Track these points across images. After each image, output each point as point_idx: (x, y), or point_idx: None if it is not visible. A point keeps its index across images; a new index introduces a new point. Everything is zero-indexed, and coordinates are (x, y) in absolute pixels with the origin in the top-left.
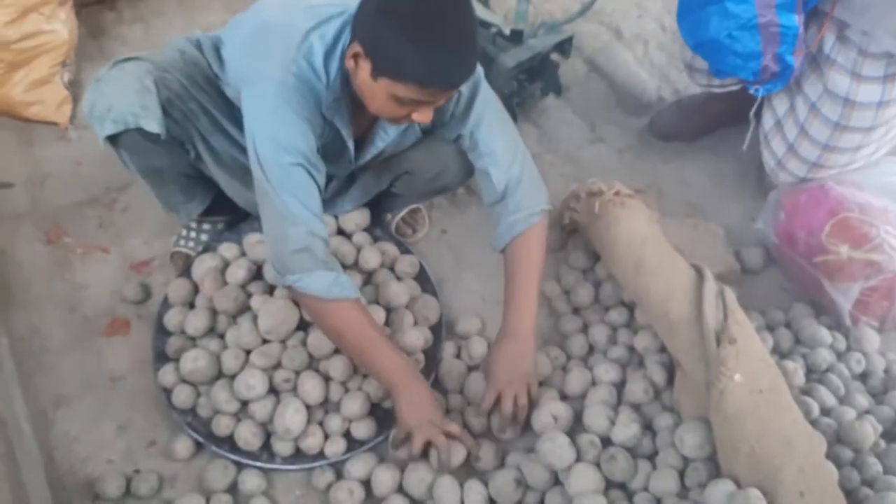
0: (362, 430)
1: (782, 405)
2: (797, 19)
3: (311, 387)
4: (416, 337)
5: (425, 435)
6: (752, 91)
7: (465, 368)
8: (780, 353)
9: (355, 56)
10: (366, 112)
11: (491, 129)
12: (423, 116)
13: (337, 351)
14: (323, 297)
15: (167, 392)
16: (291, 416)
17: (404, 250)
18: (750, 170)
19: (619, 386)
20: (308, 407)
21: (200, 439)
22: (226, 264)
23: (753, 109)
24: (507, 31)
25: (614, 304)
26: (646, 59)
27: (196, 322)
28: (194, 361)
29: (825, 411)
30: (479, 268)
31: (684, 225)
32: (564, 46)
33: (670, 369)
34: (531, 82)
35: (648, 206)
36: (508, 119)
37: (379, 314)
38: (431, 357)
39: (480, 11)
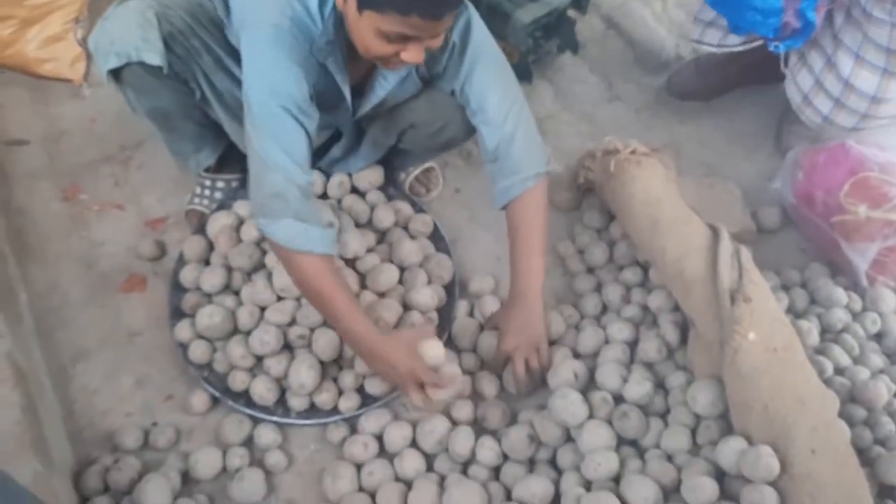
0: (375, 386)
1: (796, 364)
2: None
3: (326, 343)
4: (430, 296)
5: (407, 389)
6: (771, 48)
7: (477, 327)
8: (795, 313)
9: None
10: (362, 59)
11: (483, 83)
12: (413, 55)
13: None
14: (286, 247)
15: (183, 347)
16: (306, 372)
17: (418, 209)
18: (768, 129)
19: (633, 345)
20: (322, 363)
21: (217, 394)
22: (240, 222)
23: (784, 63)
24: None
25: (629, 263)
26: (664, 16)
27: (211, 279)
28: (210, 317)
29: (839, 370)
30: (492, 227)
31: (701, 184)
32: (581, 2)
33: (684, 329)
34: (547, 39)
35: (665, 166)
36: (506, 72)
37: (392, 273)
38: (445, 316)
39: None
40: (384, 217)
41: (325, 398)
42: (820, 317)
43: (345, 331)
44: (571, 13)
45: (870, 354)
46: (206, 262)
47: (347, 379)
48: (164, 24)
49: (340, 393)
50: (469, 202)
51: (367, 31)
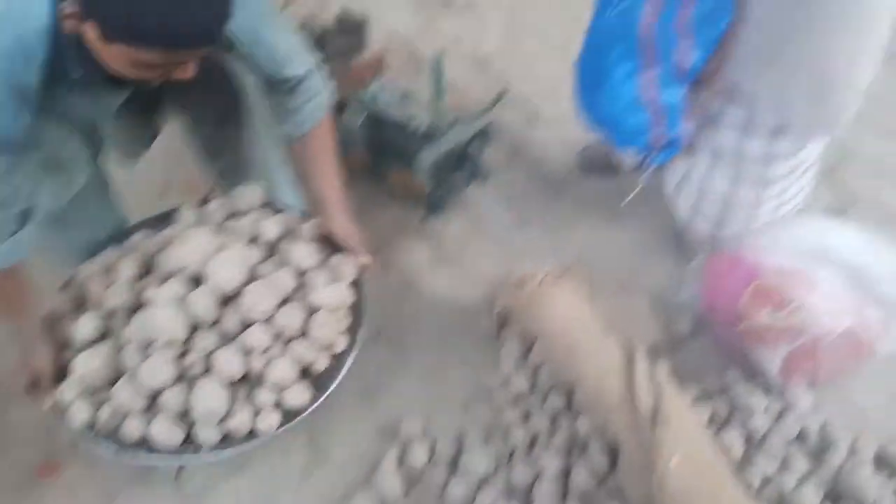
0: (297, 396)
1: (723, 481)
2: (679, 92)
3: (226, 360)
4: (332, 294)
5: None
6: (650, 161)
7: None
8: (717, 422)
9: (72, 16)
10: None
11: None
12: (186, 72)
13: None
14: None
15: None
16: (213, 395)
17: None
18: (671, 238)
19: (565, 474)
20: (229, 385)
21: (110, 452)
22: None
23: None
24: (423, 128)
25: (553, 389)
26: (565, 139)
27: (84, 326)
28: (86, 363)
29: (766, 480)
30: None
31: (615, 299)
32: (484, 135)
33: (615, 452)
34: (455, 172)
35: (577, 286)
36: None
37: (287, 280)
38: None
39: (397, 110)
40: (269, 229)
41: (238, 420)
42: (742, 424)
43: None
44: (476, 145)
45: (794, 459)
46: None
47: (262, 395)
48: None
49: (257, 413)
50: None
51: (121, 60)
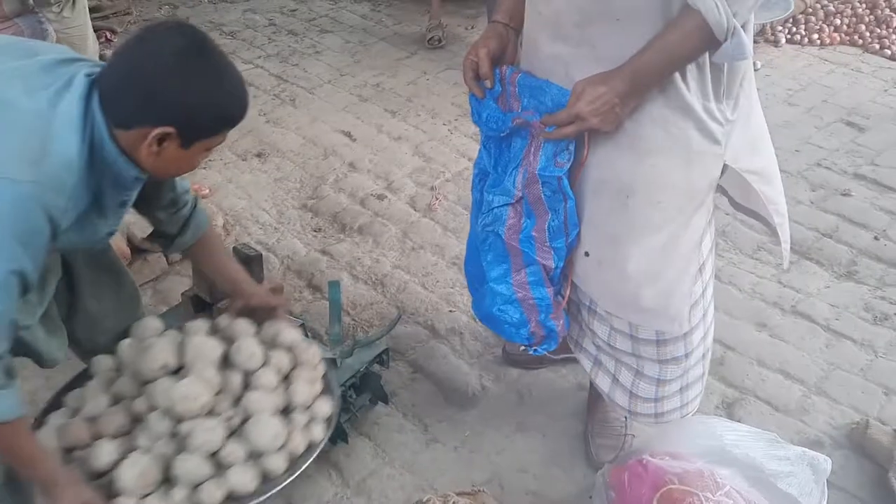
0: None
1: None
2: (548, 291)
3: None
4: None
5: None
6: (531, 352)
7: None
8: None
9: (159, 139)
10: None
11: None
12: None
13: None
14: None
15: None
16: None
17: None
18: (580, 443)
19: None
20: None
21: None
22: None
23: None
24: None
25: None
26: (464, 350)
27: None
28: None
29: None
30: None
31: None
32: (382, 357)
33: None
34: (357, 395)
35: None
36: None
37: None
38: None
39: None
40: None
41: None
42: None
43: (35, 474)
44: (375, 367)
45: None
46: None
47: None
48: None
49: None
50: None
51: (193, 157)
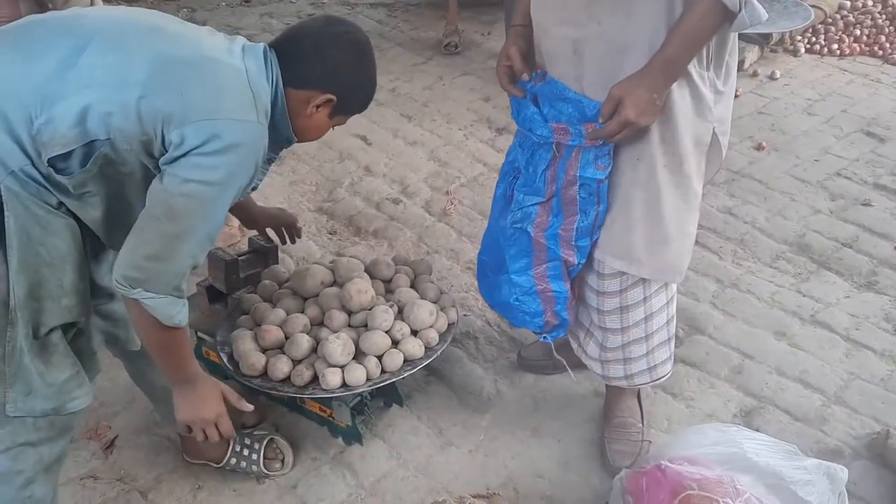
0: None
1: None
2: (566, 285)
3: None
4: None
5: (203, 425)
6: (540, 338)
7: None
8: None
9: (321, 104)
10: None
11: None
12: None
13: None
14: (164, 321)
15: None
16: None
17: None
18: (596, 449)
19: None
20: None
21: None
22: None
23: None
24: None
25: None
26: (478, 355)
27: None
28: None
29: None
30: None
31: None
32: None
33: None
34: (372, 398)
35: None
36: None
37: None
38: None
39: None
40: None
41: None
42: None
43: (175, 370)
44: None
45: None
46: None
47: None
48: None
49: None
50: None
51: (326, 127)
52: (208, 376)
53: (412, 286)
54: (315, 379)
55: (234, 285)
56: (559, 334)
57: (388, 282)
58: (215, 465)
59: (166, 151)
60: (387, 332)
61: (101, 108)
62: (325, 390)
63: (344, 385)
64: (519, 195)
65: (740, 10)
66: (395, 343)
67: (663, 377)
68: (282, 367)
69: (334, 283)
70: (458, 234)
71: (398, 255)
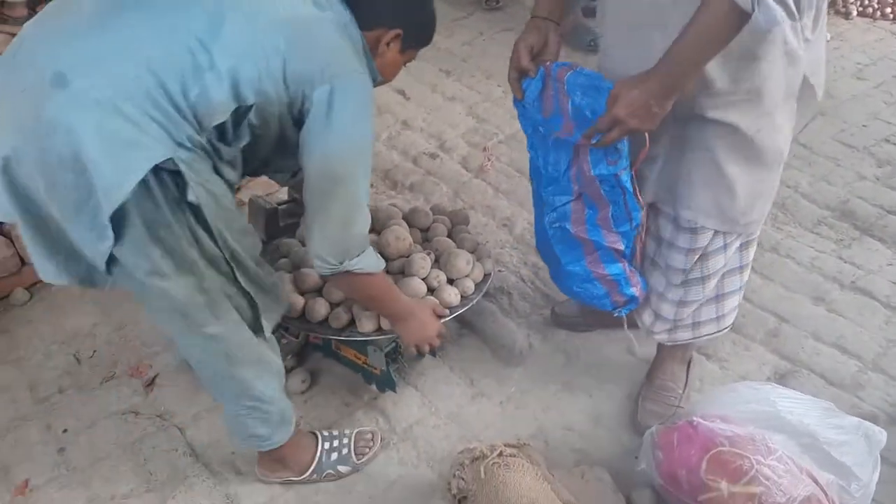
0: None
1: None
2: (622, 266)
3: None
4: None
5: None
6: (615, 314)
7: None
8: None
9: (390, 40)
10: None
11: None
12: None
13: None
14: (371, 273)
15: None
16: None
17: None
18: (628, 406)
19: None
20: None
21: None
22: None
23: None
24: None
25: None
26: (512, 310)
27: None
28: None
29: None
30: None
31: (572, 475)
32: None
33: None
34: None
35: (533, 462)
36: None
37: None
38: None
39: None
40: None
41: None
42: None
43: (394, 308)
44: None
45: None
46: None
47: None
48: None
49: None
50: None
51: (400, 63)
52: (417, 300)
53: (449, 236)
54: (352, 323)
55: (274, 233)
56: (632, 307)
57: (425, 230)
58: (296, 479)
59: (303, 108)
60: (423, 279)
61: (250, 75)
62: (361, 334)
63: (379, 329)
64: (549, 197)
65: (753, 9)
66: (431, 291)
67: (726, 328)
68: (319, 309)
69: (372, 231)
70: (494, 191)
71: (436, 204)
